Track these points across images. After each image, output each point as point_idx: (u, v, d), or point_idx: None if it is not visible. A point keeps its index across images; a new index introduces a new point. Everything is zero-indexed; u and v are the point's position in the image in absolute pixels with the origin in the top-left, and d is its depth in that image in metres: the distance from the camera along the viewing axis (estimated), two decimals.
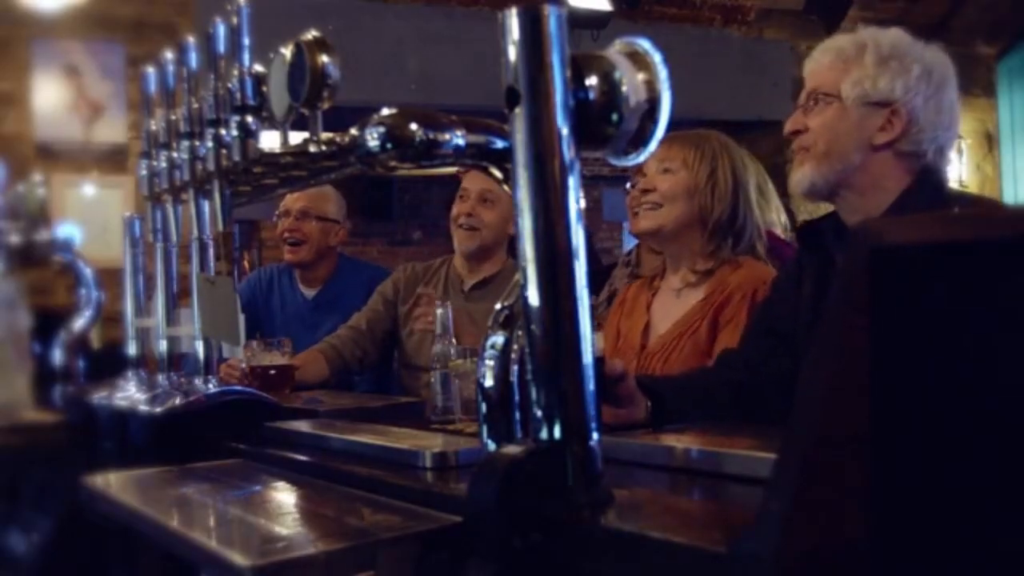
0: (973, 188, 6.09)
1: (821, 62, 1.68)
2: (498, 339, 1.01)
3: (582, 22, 4.99)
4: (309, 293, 3.07)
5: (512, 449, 0.87)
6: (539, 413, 0.87)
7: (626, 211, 2.26)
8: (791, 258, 1.85)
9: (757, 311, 1.85)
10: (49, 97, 4.32)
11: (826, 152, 1.63)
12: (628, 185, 3.06)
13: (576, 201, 0.89)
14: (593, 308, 0.92)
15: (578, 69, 0.91)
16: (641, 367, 2.02)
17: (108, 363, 1.99)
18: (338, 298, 3.00)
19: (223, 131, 1.48)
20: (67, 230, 2.24)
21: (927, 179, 1.62)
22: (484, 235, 2.61)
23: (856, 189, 1.63)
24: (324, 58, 1.24)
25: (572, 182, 0.88)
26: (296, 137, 1.31)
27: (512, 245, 2.49)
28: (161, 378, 1.74)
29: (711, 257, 2.07)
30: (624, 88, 0.92)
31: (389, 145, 0.99)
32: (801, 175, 1.65)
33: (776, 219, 2.48)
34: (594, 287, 1.75)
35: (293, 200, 3.00)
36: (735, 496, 1.02)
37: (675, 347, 2.00)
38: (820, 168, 1.63)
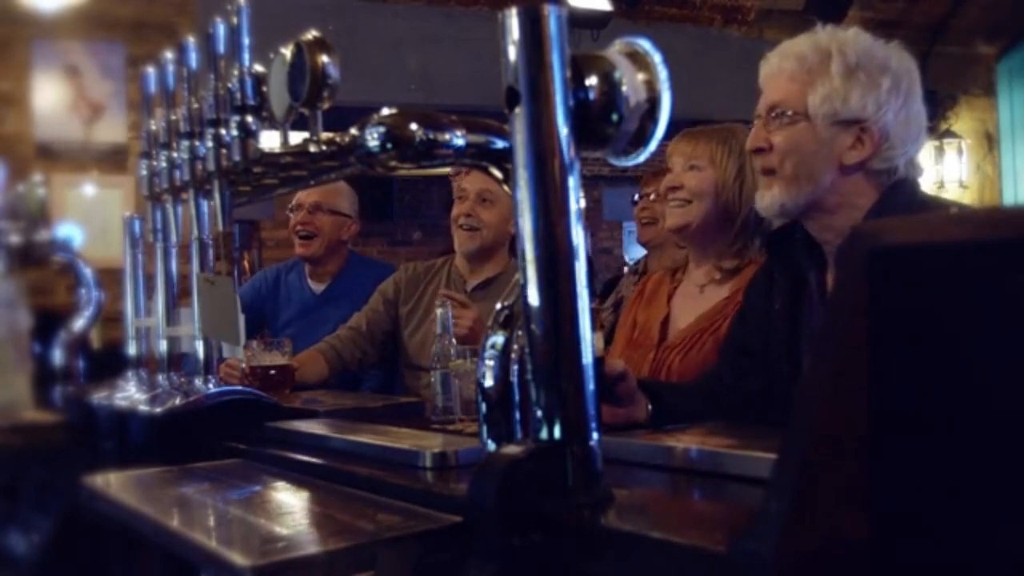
0: (973, 188, 6.09)
1: (782, 70, 1.58)
2: (498, 339, 1.01)
3: (582, 22, 4.99)
4: (318, 288, 3.07)
5: (512, 449, 0.87)
6: (539, 413, 0.87)
7: (625, 211, 2.26)
8: (761, 267, 1.80)
9: (732, 325, 1.82)
10: (49, 97, 4.32)
11: (795, 174, 1.56)
12: (636, 197, 3.06)
13: (576, 201, 0.89)
14: (594, 311, 0.92)
15: (578, 69, 0.90)
16: (658, 360, 2.00)
17: (108, 363, 1.98)
18: (346, 293, 3.00)
19: (223, 131, 1.48)
20: (67, 230, 2.24)
21: (899, 192, 1.57)
22: (484, 235, 2.61)
23: (827, 209, 1.58)
24: (324, 58, 1.24)
25: (572, 182, 0.88)
26: (296, 137, 1.31)
27: (514, 245, 2.45)
28: (161, 378, 1.74)
29: (737, 255, 2.04)
30: (624, 88, 0.92)
31: (389, 145, 1.00)
32: (771, 198, 1.58)
33: None
34: (592, 290, 1.74)
35: (306, 194, 2.99)
36: (735, 496, 1.02)
37: (695, 343, 1.98)
38: (789, 191, 1.56)
